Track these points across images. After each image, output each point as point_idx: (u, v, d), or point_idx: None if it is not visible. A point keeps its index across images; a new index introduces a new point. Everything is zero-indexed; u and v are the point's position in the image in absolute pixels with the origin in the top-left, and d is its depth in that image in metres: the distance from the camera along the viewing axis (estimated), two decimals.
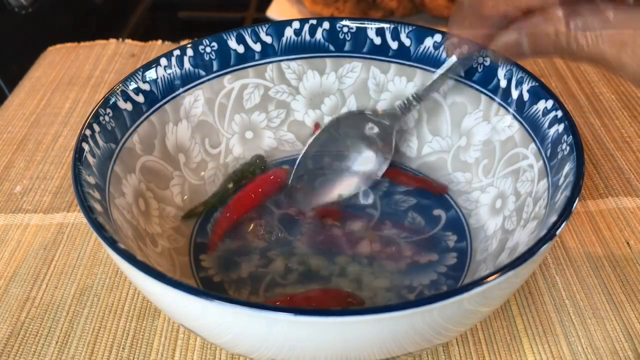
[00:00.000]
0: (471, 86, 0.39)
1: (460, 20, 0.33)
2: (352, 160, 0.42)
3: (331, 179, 0.41)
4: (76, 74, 0.58)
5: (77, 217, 0.42)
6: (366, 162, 0.41)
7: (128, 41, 0.63)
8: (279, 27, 0.41)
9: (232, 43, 0.41)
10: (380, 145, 0.41)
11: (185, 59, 0.39)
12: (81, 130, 0.32)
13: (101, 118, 0.34)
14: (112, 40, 0.63)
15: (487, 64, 0.38)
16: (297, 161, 0.41)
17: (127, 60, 0.60)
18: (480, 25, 0.32)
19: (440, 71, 0.38)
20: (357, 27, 0.41)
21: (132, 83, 0.37)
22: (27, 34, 0.68)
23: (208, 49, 0.40)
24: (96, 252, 0.40)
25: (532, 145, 0.35)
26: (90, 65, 0.59)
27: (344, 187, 0.41)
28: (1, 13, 0.64)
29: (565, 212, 0.28)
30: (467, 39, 0.34)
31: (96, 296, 0.37)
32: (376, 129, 0.41)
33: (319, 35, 0.41)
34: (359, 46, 0.42)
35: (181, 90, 0.39)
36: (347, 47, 0.42)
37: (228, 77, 0.41)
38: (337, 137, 0.42)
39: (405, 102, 0.40)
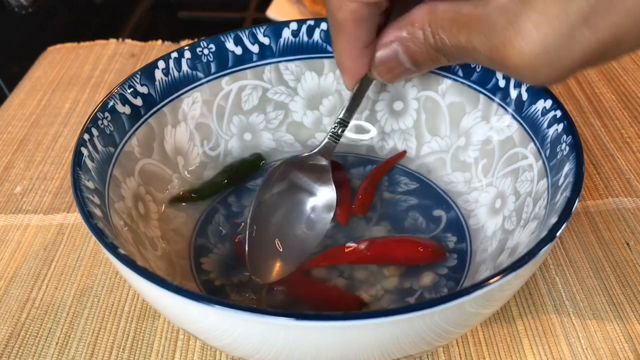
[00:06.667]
0: (470, 86, 0.39)
1: (340, 49, 0.34)
2: (304, 207, 0.38)
3: (293, 237, 0.37)
4: (76, 74, 0.58)
5: (77, 217, 0.43)
6: (318, 201, 0.38)
7: (128, 41, 0.63)
8: (276, 29, 0.41)
9: (230, 45, 0.40)
10: (323, 179, 0.38)
11: (183, 61, 0.39)
12: (80, 135, 0.32)
13: (100, 122, 0.34)
14: (112, 40, 0.63)
15: None
16: (246, 234, 0.36)
17: (127, 60, 0.60)
18: (355, 43, 0.33)
19: (350, 97, 0.37)
20: None
21: (130, 86, 0.36)
22: (27, 34, 0.68)
23: (206, 51, 0.40)
24: (96, 253, 0.40)
25: (532, 145, 0.35)
26: (90, 65, 0.59)
27: (311, 238, 0.37)
28: (1, 13, 0.64)
29: (566, 213, 0.28)
30: (351, 66, 0.34)
31: (96, 297, 0.37)
32: (312, 168, 0.38)
33: (316, 36, 0.41)
34: None
35: (179, 92, 0.39)
36: None
37: (226, 79, 0.41)
38: (279, 193, 0.38)
39: (333, 130, 0.38)
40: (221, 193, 0.40)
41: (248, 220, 0.36)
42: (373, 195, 0.40)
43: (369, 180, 0.41)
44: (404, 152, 0.43)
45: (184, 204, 0.39)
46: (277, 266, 0.36)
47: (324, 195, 0.38)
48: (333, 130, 0.38)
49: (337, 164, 0.42)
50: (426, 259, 0.36)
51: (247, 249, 0.36)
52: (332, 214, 0.37)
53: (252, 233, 0.36)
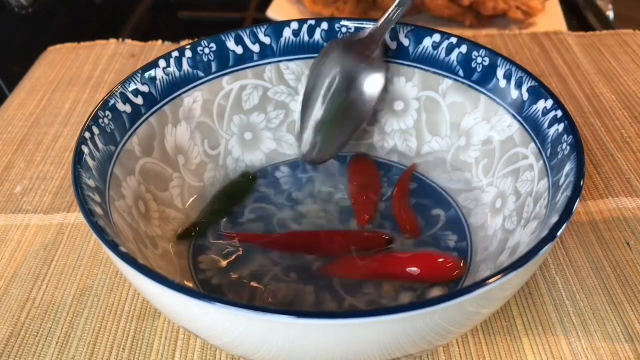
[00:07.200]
0: (470, 86, 0.39)
1: None
2: (352, 90, 0.40)
3: (340, 119, 0.40)
4: (76, 74, 0.58)
5: (77, 217, 0.43)
6: (363, 86, 0.40)
7: (128, 41, 0.63)
8: (277, 28, 0.41)
9: (231, 44, 0.40)
10: (371, 63, 0.40)
11: (184, 60, 0.39)
12: (80, 133, 0.32)
13: (100, 120, 0.34)
14: (112, 40, 0.63)
15: (486, 63, 0.38)
16: (299, 114, 0.41)
17: (127, 60, 0.60)
18: None
19: None
20: (355, 27, 0.41)
21: (130, 85, 0.37)
22: (27, 34, 0.68)
23: (206, 50, 0.40)
24: (96, 253, 0.40)
25: (532, 144, 0.35)
26: (90, 65, 0.59)
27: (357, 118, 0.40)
28: (1, 13, 0.64)
29: (567, 212, 0.28)
30: None
31: (96, 296, 0.37)
32: (361, 52, 0.40)
33: (317, 35, 0.41)
34: None
35: (180, 91, 0.39)
36: None
37: (227, 78, 0.41)
38: (326, 75, 0.41)
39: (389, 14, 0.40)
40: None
41: (300, 102, 0.41)
42: (413, 213, 0.39)
43: (399, 200, 0.40)
44: (414, 164, 0.43)
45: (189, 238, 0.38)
46: (326, 146, 0.41)
47: (371, 77, 0.40)
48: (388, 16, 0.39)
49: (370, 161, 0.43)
50: (445, 276, 0.35)
51: (298, 129, 0.41)
52: (378, 94, 0.40)
53: (303, 115, 0.40)
